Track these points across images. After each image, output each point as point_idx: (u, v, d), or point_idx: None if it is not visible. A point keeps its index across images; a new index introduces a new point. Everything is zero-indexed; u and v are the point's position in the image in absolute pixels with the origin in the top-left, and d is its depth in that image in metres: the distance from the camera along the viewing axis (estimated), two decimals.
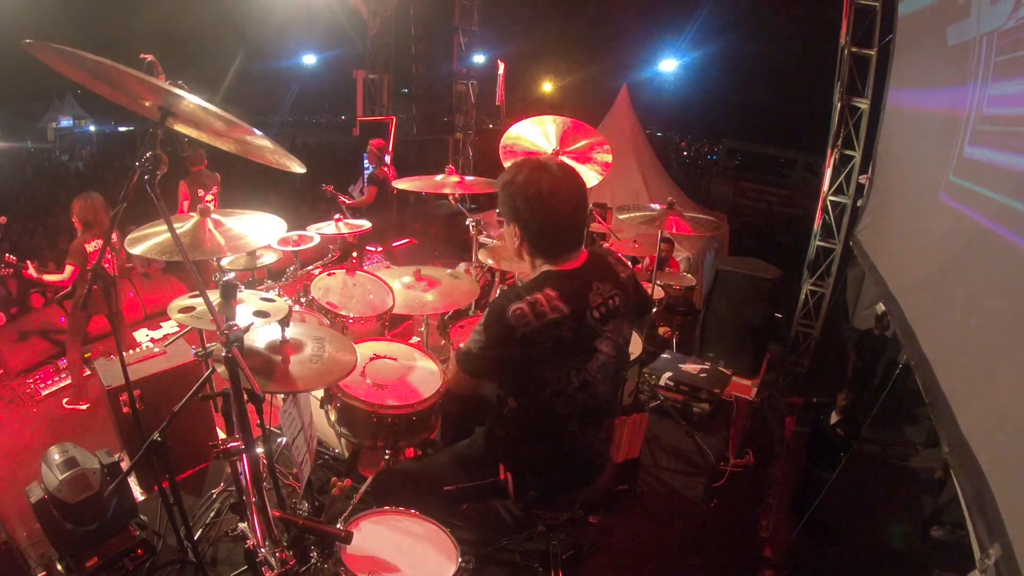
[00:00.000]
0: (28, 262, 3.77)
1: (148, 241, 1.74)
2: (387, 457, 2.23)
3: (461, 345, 1.68)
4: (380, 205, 6.08)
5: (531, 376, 1.58)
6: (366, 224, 3.81)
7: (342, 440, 2.55)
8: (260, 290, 2.63)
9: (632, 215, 3.38)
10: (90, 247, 3.74)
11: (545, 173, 1.56)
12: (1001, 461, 1.88)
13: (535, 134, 3.19)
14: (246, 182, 10.03)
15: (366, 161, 6.21)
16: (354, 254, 5.48)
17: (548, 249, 1.61)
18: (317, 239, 3.49)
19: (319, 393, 2.37)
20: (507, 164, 1.66)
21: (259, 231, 1.90)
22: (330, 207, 5.96)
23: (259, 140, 1.49)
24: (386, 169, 6.25)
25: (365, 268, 3.19)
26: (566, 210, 1.58)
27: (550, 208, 1.56)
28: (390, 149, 8.04)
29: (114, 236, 3.83)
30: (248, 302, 1.96)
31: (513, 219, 1.59)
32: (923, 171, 3.59)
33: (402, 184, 3.24)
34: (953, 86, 3.10)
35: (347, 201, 5.93)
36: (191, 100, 1.29)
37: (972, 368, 2.31)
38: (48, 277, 3.77)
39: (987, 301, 2.31)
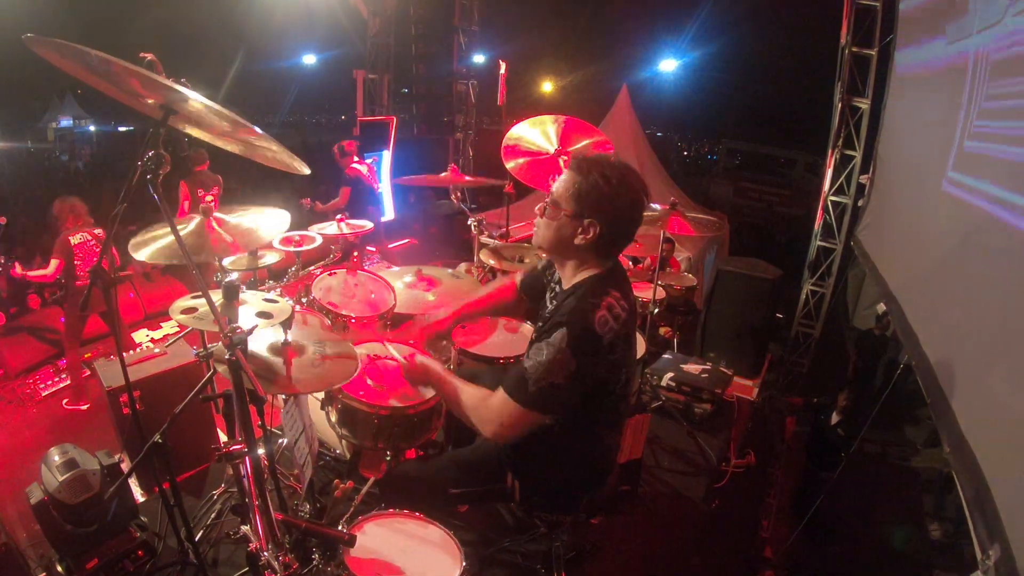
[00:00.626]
0: (16, 263, 3.79)
1: (153, 245, 1.73)
2: (388, 458, 2.22)
3: (528, 382, 1.48)
4: (358, 206, 5.81)
5: (600, 388, 1.55)
6: (368, 224, 3.81)
7: (343, 441, 2.54)
8: (262, 290, 2.62)
9: None
10: (74, 239, 3.76)
11: (637, 177, 1.57)
12: (1000, 461, 1.88)
13: (535, 135, 3.20)
14: (246, 183, 10.01)
15: (339, 163, 6.02)
16: (354, 253, 5.45)
17: (615, 249, 1.61)
18: (319, 240, 3.49)
19: (320, 394, 2.36)
20: (594, 158, 1.56)
21: (267, 225, 1.90)
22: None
23: (262, 140, 1.48)
24: (357, 167, 5.98)
25: (366, 268, 3.19)
26: (640, 214, 1.59)
27: (637, 214, 1.58)
28: (390, 147, 8.02)
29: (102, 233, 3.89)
30: (251, 303, 1.95)
31: (600, 218, 1.52)
32: (922, 168, 3.60)
33: (402, 181, 3.24)
34: (952, 82, 3.10)
35: (320, 207, 5.76)
36: (193, 98, 1.28)
37: (971, 367, 2.31)
38: (33, 273, 3.79)
39: (986, 299, 2.31)
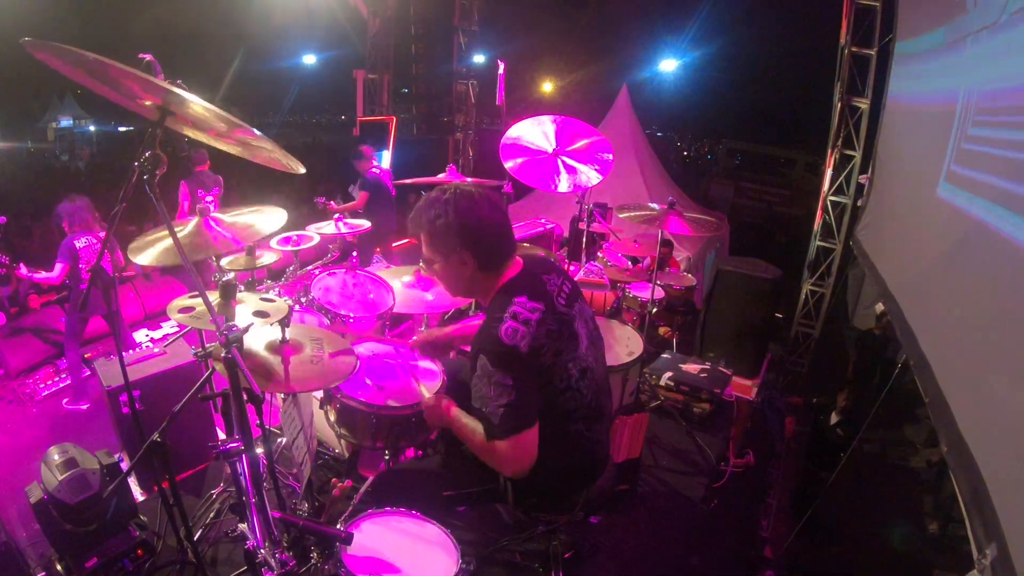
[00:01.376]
0: (21, 263, 3.79)
1: (152, 248, 1.72)
2: (387, 458, 2.23)
3: (490, 419, 1.53)
4: (376, 208, 5.95)
5: (543, 387, 1.57)
6: (366, 224, 3.82)
7: (342, 441, 2.54)
8: (260, 290, 2.63)
9: (632, 215, 3.38)
10: (79, 243, 3.75)
11: (466, 194, 1.61)
12: (998, 460, 1.88)
13: (535, 134, 3.20)
14: (245, 183, 10.01)
15: (356, 167, 6.07)
16: (354, 253, 5.47)
17: (498, 261, 1.65)
18: (317, 239, 3.49)
19: (319, 393, 2.37)
20: (418, 209, 1.66)
21: (264, 220, 1.91)
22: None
23: (258, 141, 1.49)
24: (377, 172, 6.11)
25: (366, 268, 3.20)
26: (499, 218, 1.64)
27: (490, 221, 1.62)
28: (390, 147, 8.03)
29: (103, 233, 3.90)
30: (248, 302, 1.95)
31: (462, 247, 1.59)
32: (921, 165, 3.60)
33: (402, 182, 3.25)
34: (950, 79, 3.11)
35: (335, 207, 5.82)
36: (190, 99, 1.29)
37: (969, 366, 2.32)
38: (39, 276, 3.79)
39: (984, 297, 2.31)
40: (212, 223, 1.83)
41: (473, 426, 1.65)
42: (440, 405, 1.78)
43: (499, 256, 1.65)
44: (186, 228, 1.82)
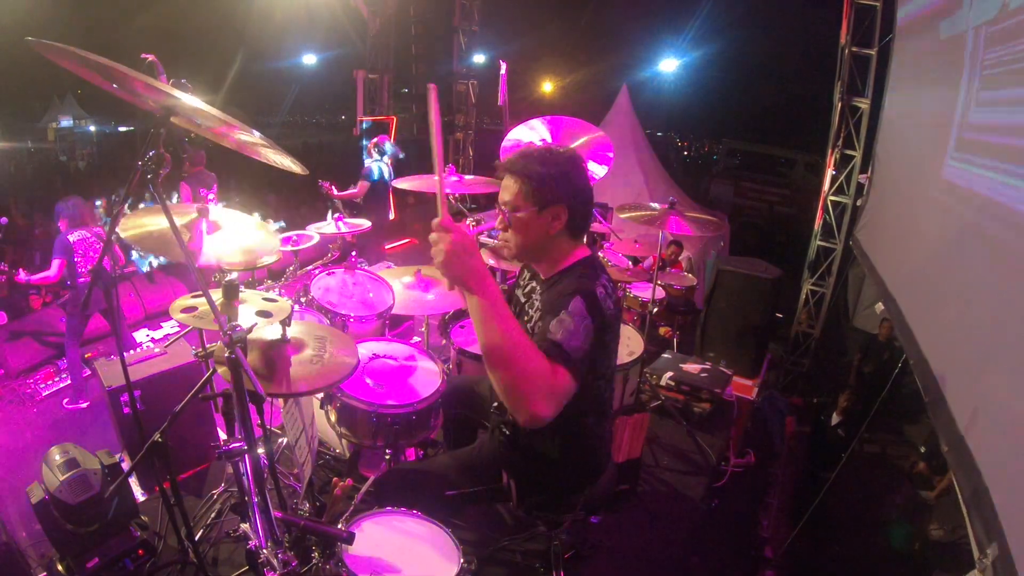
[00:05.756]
0: (20, 269, 3.80)
1: (140, 230, 1.68)
2: (388, 457, 2.23)
3: (563, 349, 1.33)
4: (374, 203, 5.94)
5: (594, 367, 1.52)
6: (366, 223, 3.82)
7: (343, 440, 2.55)
8: (260, 290, 2.62)
9: (633, 214, 3.38)
10: (72, 237, 3.76)
11: (580, 157, 1.60)
12: (997, 460, 1.88)
13: (532, 138, 3.21)
14: (245, 182, 10.02)
15: (365, 157, 6.11)
16: (353, 253, 5.46)
17: (582, 231, 1.63)
18: (316, 239, 3.49)
19: (319, 393, 2.37)
20: (524, 154, 1.58)
21: (256, 244, 1.87)
22: (328, 207, 5.88)
23: (259, 141, 1.49)
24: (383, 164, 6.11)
25: (365, 268, 3.19)
26: (589, 179, 1.63)
27: (590, 191, 1.62)
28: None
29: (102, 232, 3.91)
30: (250, 302, 1.96)
31: (563, 202, 1.53)
32: (920, 162, 3.60)
33: (400, 184, 3.24)
34: (948, 76, 3.10)
35: (336, 193, 5.80)
36: (194, 104, 1.29)
37: (968, 365, 2.32)
38: (36, 276, 3.79)
39: (984, 295, 2.31)
40: (204, 227, 1.80)
41: (515, 329, 1.29)
42: (465, 242, 1.31)
43: (585, 227, 1.63)
44: (180, 221, 1.80)
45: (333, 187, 5.42)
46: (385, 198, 6.21)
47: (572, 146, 3.18)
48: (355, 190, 5.92)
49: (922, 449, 5.56)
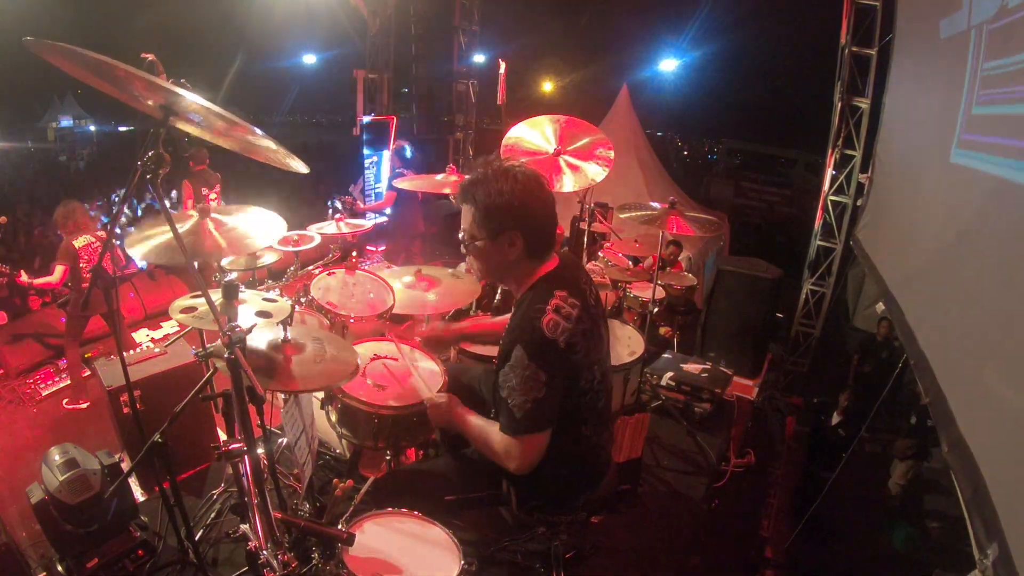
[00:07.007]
0: (21, 271, 3.79)
1: (149, 242, 1.73)
2: (388, 458, 2.22)
3: (513, 412, 1.49)
4: (403, 213, 5.74)
5: (571, 386, 1.55)
6: (366, 224, 3.81)
7: (343, 441, 2.54)
8: (261, 290, 2.62)
9: (633, 214, 3.38)
10: (78, 243, 3.76)
11: (532, 174, 1.58)
12: (998, 460, 1.88)
13: (534, 136, 3.20)
14: (245, 182, 10.02)
15: (391, 165, 5.92)
16: (354, 253, 5.44)
17: (544, 248, 1.60)
18: (317, 239, 3.49)
19: (320, 394, 2.36)
20: (473, 181, 1.57)
21: (261, 231, 1.89)
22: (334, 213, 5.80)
23: (261, 140, 1.49)
24: (404, 173, 5.83)
25: (365, 268, 3.19)
26: (550, 201, 1.60)
27: (547, 207, 1.58)
28: (390, 147, 8.01)
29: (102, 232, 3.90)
30: (250, 302, 1.95)
31: (515, 227, 1.53)
32: (920, 162, 3.59)
33: (402, 184, 3.24)
34: (948, 75, 3.09)
35: (362, 206, 5.72)
36: (194, 100, 1.28)
37: (970, 365, 2.31)
38: (39, 280, 3.79)
39: (984, 293, 2.30)
40: (210, 225, 1.82)
41: (481, 423, 1.63)
42: (446, 403, 1.75)
43: (546, 245, 1.60)
44: (184, 227, 1.81)
45: (358, 201, 5.36)
46: (413, 206, 5.99)
47: (574, 146, 3.17)
48: (384, 200, 5.86)
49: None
